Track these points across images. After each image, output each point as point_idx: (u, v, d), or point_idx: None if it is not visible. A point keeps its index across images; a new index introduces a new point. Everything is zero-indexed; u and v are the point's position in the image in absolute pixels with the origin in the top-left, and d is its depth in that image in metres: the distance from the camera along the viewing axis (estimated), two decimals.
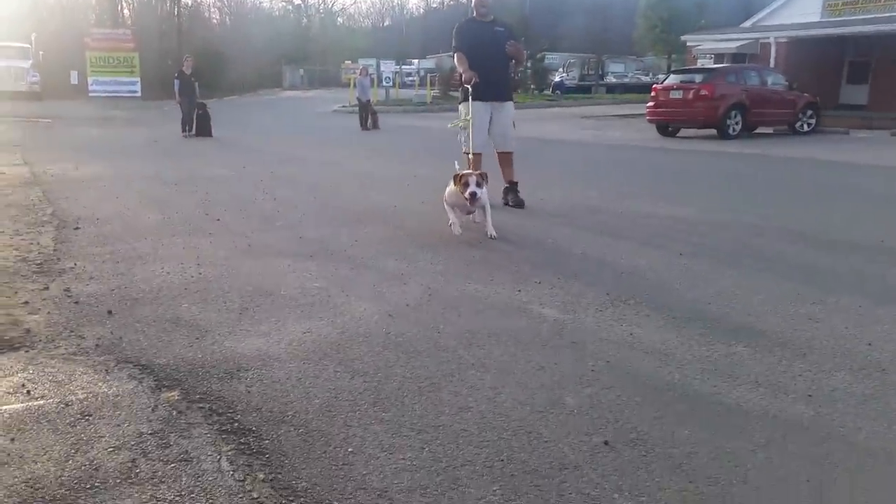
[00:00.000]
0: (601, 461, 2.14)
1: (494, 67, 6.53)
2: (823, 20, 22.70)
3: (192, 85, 16.63)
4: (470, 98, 6.35)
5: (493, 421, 2.39)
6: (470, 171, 5.32)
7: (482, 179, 5.14)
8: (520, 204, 6.53)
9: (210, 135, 16.06)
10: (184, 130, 16.32)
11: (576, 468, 2.10)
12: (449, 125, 6.67)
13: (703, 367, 2.86)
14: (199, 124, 16.22)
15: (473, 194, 5.02)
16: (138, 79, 36.82)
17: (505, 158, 6.69)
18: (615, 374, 2.79)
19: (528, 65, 41.38)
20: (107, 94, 35.17)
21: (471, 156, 6.28)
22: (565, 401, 2.55)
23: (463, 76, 6.39)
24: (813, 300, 3.77)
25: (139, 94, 35.97)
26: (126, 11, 49.66)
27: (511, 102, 6.79)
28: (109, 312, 3.49)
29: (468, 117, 6.34)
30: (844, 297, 3.82)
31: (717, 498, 1.96)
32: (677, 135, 16.76)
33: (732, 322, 3.42)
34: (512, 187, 6.64)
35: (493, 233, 5.27)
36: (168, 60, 37.87)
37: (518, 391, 2.62)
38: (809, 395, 2.60)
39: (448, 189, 5.35)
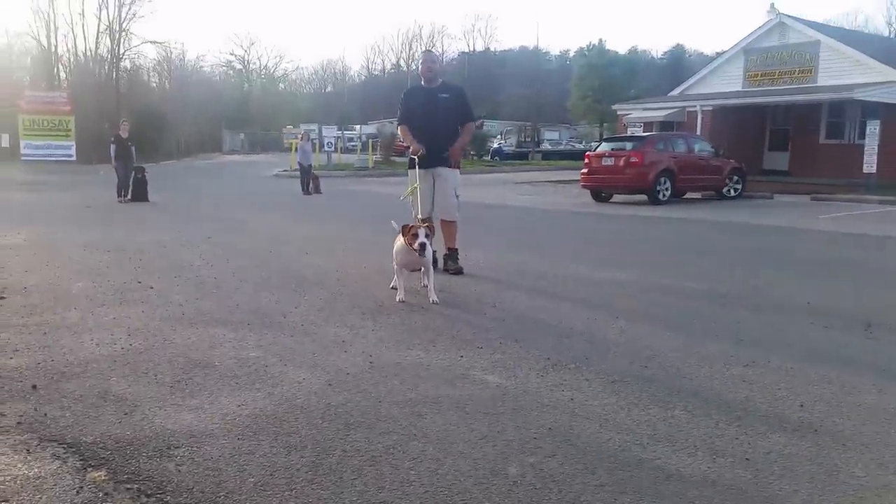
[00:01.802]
0: None
1: (436, 135, 6.50)
2: (744, 90, 24.07)
3: (128, 149, 16.41)
4: (416, 166, 6.38)
5: (435, 495, 2.34)
6: (418, 224, 5.36)
7: (430, 231, 5.27)
8: (458, 271, 6.55)
9: (146, 200, 15.78)
10: (119, 195, 15.99)
11: None
12: (401, 197, 6.59)
13: (642, 431, 2.88)
14: (135, 189, 15.94)
15: (423, 245, 5.10)
16: (73, 143, 36.20)
17: (447, 226, 6.70)
18: (557, 441, 2.78)
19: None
20: (40, 158, 34.39)
21: (419, 220, 6.34)
22: (508, 471, 2.52)
23: (411, 148, 6.46)
24: (745, 362, 3.86)
25: (74, 158, 35.30)
26: (62, 74, 49.08)
27: (454, 170, 6.72)
28: (34, 387, 3.32)
29: (415, 184, 6.37)
30: (775, 359, 3.93)
31: None
32: (610, 200, 17.27)
33: (669, 385, 3.47)
34: (451, 254, 6.67)
35: (436, 298, 5.28)
36: (105, 124, 37.38)
37: (461, 462, 2.59)
38: (747, 459, 2.64)
39: (396, 246, 5.38)
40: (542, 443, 2.76)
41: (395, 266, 5.45)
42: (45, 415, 2.99)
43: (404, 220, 5.59)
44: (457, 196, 6.74)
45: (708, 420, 3.01)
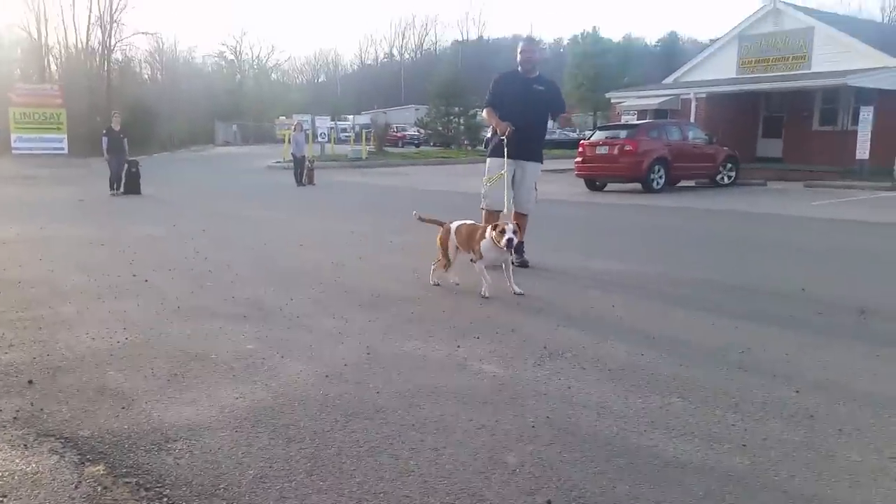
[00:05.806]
0: None
1: (526, 125, 6.27)
2: (738, 76, 24.03)
3: (120, 142, 16.30)
4: (504, 154, 6.19)
5: (435, 484, 2.35)
6: (504, 221, 5.27)
7: (517, 228, 5.21)
8: (524, 264, 6.45)
9: (139, 192, 15.71)
10: (112, 188, 15.91)
11: None
12: (484, 188, 6.47)
13: (639, 419, 2.89)
14: (128, 182, 15.87)
15: (510, 240, 5.04)
16: (65, 136, 35.91)
17: (520, 219, 6.44)
18: (555, 429, 2.79)
19: (462, 121, 42.33)
20: (31, 152, 34.17)
21: (486, 212, 6.43)
22: (507, 459, 2.53)
23: (497, 129, 6.24)
24: (741, 348, 3.88)
25: (66, 152, 35.04)
26: (53, 66, 48.66)
27: (539, 164, 6.60)
28: (30, 382, 3.31)
29: (500, 173, 6.22)
30: (770, 345, 3.95)
31: None
32: (605, 189, 17.26)
33: (665, 373, 3.48)
34: (519, 247, 6.40)
35: (518, 289, 5.28)
36: (97, 117, 37.08)
37: (460, 451, 2.59)
38: (744, 445, 2.65)
39: (483, 244, 5.26)
40: (540, 431, 2.77)
41: (482, 265, 5.33)
42: (42, 409, 2.98)
43: (396, 210, 5.51)
44: (535, 189, 6.68)
45: (705, 407, 3.02)
